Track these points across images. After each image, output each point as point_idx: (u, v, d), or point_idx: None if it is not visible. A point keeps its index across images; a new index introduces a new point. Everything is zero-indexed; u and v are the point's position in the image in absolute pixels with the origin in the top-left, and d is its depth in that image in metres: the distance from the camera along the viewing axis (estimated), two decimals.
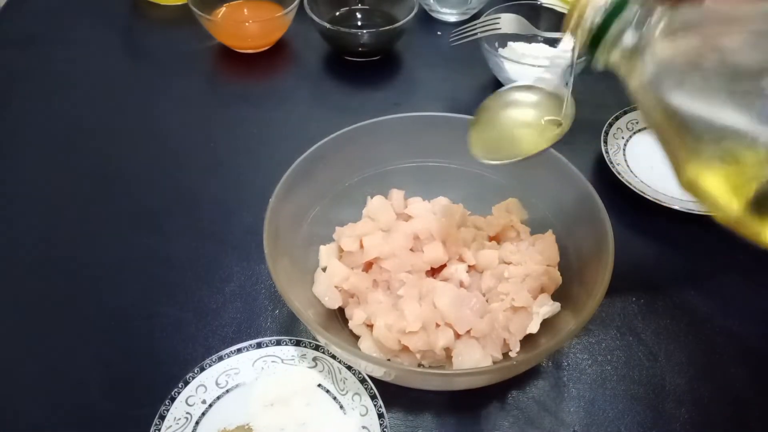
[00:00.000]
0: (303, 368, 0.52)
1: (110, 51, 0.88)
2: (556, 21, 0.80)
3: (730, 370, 0.54)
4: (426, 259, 0.54)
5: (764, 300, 0.59)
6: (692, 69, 0.32)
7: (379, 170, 0.61)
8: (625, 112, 0.74)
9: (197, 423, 0.49)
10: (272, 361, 0.53)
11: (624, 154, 0.70)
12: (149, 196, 0.69)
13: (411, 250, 0.55)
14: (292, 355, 0.53)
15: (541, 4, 0.81)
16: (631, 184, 0.65)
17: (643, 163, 0.70)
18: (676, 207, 0.62)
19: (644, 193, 0.64)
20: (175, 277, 0.61)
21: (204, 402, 0.50)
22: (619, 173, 0.66)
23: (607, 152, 0.68)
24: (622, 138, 0.72)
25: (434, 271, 0.56)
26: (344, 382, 0.51)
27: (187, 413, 0.49)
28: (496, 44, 0.80)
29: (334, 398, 0.51)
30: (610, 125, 0.72)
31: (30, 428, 0.51)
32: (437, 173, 0.62)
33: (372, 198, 0.62)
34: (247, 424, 0.49)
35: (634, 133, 0.72)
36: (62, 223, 0.66)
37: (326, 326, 0.52)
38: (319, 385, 0.51)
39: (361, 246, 0.55)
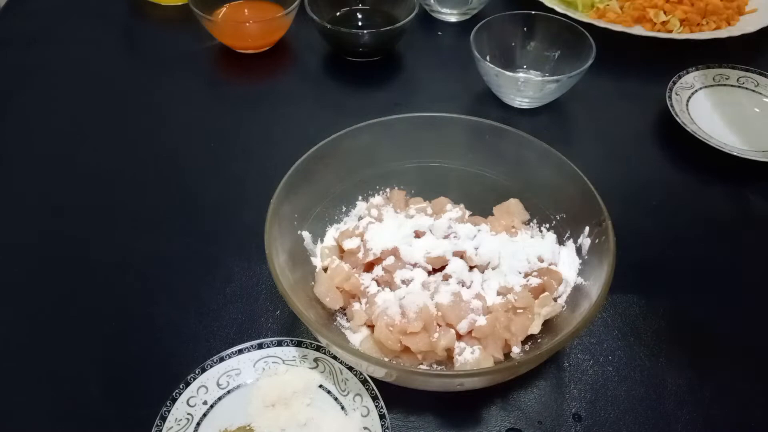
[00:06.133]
0: (304, 369, 0.52)
1: (110, 51, 0.88)
2: (553, 30, 0.78)
3: (732, 370, 0.54)
4: (428, 258, 0.54)
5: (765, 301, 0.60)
6: None
7: (379, 170, 0.61)
8: (687, 72, 0.79)
9: (198, 424, 0.49)
10: (273, 362, 0.52)
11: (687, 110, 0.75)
12: (149, 196, 0.68)
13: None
14: (294, 356, 0.53)
15: (534, 13, 0.79)
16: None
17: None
18: None
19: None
20: (175, 277, 0.61)
21: (205, 403, 0.50)
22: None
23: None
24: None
25: (435, 271, 0.55)
26: (345, 383, 0.51)
27: (188, 414, 0.49)
28: (488, 57, 0.74)
29: (336, 399, 0.51)
30: (674, 83, 0.77)
31: (31, 429, 0.51)
32: (437, 173, 0.62)
33: (373, 198, 0.62)
34: (248, 425, 0.49)
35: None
36: (62, 223, 0.65)
37: (327, 327, 0.52)
38: (321, 386, 0.51)
39: (363, 246, 0.55)
